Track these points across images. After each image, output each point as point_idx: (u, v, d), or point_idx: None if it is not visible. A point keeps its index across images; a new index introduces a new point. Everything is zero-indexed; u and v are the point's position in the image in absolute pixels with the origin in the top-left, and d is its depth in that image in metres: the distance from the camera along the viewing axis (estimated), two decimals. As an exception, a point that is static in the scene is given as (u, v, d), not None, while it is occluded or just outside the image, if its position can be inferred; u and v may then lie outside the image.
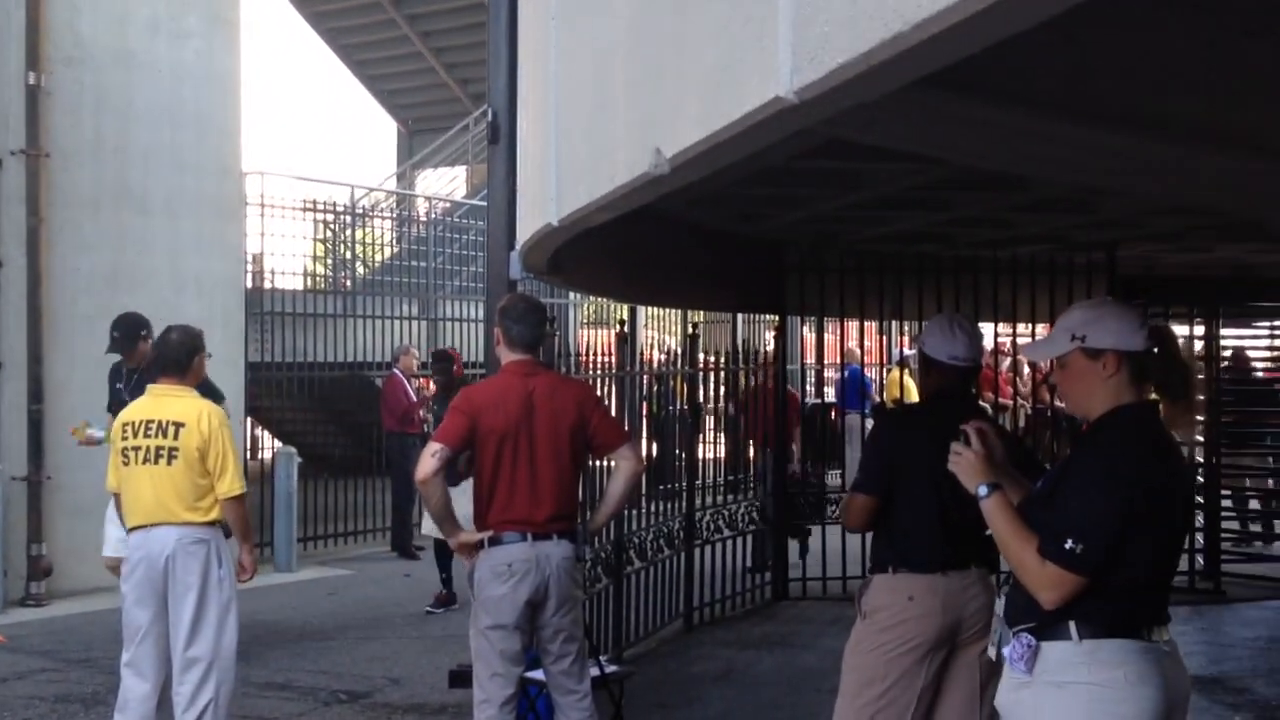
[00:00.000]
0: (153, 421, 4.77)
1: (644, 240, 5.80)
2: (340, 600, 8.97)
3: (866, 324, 9.15)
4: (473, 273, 13.68)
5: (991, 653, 2.87)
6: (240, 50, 9.96)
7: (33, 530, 8.61)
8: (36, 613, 8.34)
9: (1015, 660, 2.68)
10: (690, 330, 8.64)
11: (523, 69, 4.62)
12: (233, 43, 9.84)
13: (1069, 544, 2.56)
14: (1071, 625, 2.62)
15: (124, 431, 4.83)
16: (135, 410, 4.87)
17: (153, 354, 4.91)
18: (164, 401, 4.83)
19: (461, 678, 5.33)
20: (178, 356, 4.86)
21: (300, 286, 12.72)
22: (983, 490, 2.80)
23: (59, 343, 8.75)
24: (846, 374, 12.11)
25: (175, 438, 4.75)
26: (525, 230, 4.43)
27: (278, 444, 12.81)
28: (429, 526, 7.19)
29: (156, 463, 4.74)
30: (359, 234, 13.91)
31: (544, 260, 4.61)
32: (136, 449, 4.77)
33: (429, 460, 4.10)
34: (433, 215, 14.03)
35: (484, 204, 14.71)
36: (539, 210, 3.75)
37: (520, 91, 4.82)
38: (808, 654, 7.01)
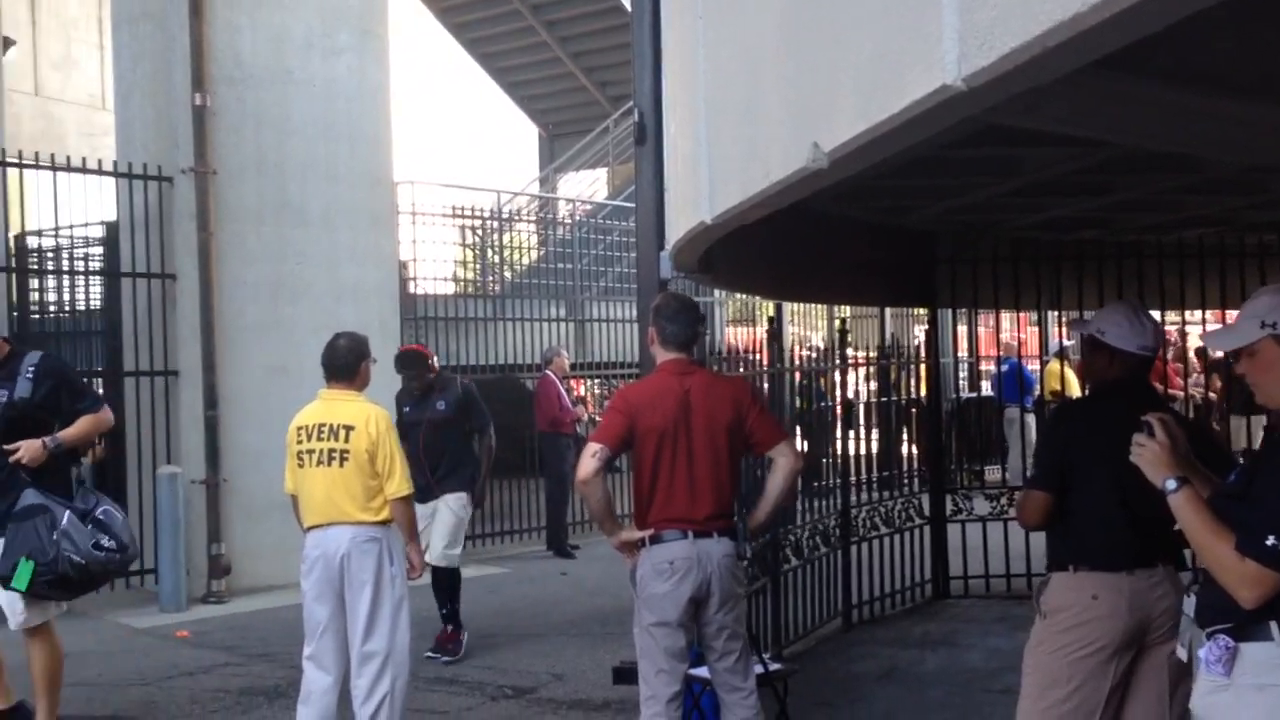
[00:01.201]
0: (324, 425, 4.97)
1: (790, 236, 5.76)
2: (500, 598, 9.16)
3: (1021, 315, 8.92)
4: (618, 273, 13.81)
5: (1181, 654, 2.76)
6: (389, 63, 10.25)
7: (212, 531, 9.02)
8: (217, 609, 8.73)
9: (1212, 663, 2.57)
10: (840, 325, 8.55)
11: (668, 68, 4.64)
12: (382, 56, 10.12)
13: (1270, 540, 2.45)
14: (1273, 625, 2.51)
15: (298, 435, 5.04)
16: (308, 415, 5.08)
17: (322, 360, 5.10)
18: (334, 406, 5.03)
19: (625, 674, 5.39)
20: (346, 362, 5.06)
21: (450, 291, 13.04)
22: (1170, 484, 2.68)
23: (229, 351, 9.15)
24: (1005, 367, 11.85)
25: (346, 440, 4.93)
26: (676, 229, 4.45)
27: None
28: (434, 554, 6.89)
29: (329, 465, 4.93)
30: (505, 238, 14.16)
31: (695, 259, 4.62)
32: (310, 452, 4.97)
33: (589, 461, 4.17)
34: (576, 217, 14.19)
35: (627, 205, 14.89)
36: (691, 209, 3.77)
37: (666, 91, 4.84)
38: (973, 653, 6.86)
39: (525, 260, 15.11)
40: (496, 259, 14.10)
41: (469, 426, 7.50)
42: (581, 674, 6.79)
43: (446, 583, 7.24)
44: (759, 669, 4.67)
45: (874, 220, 7.04)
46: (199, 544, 8.98)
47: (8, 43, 14.61)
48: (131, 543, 5.38)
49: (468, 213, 12.56)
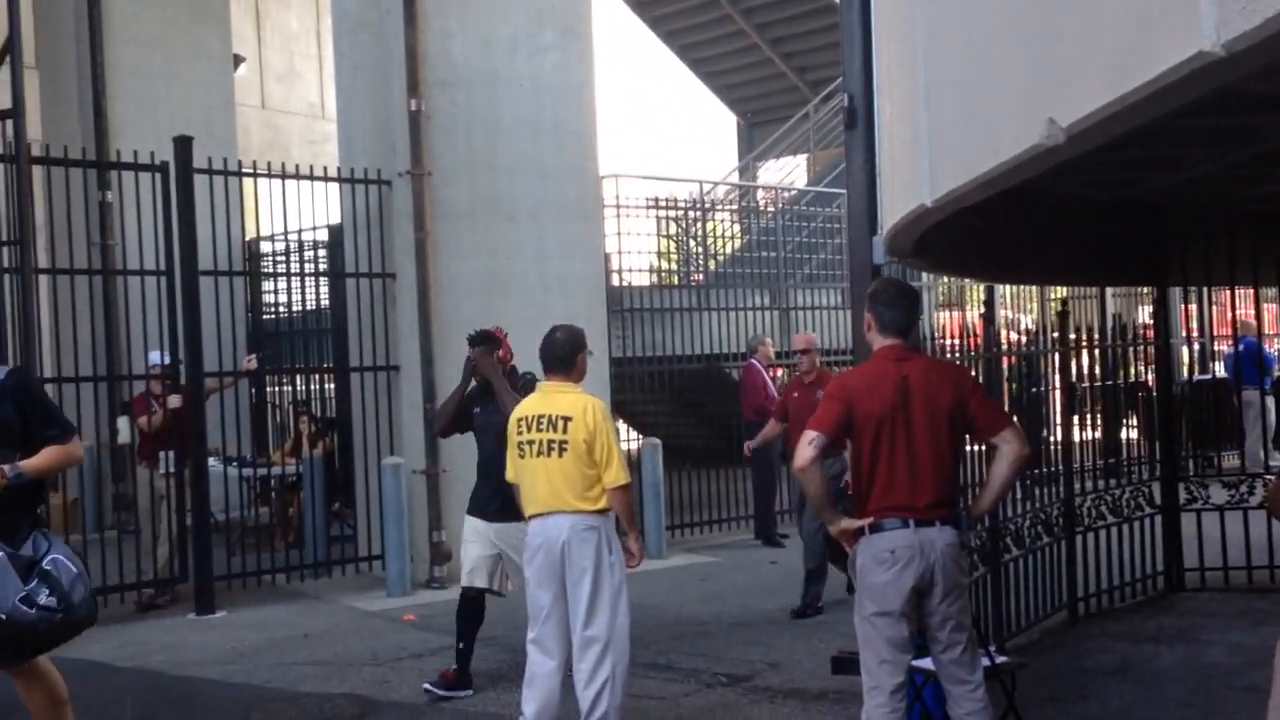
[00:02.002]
0: (544, 416, 5.11)
1: (1004, 216, 5.58)
2: (711, 586, 9.22)
3: (1256, 292, 8.39)
4: (821, 260, 13.68)
5: None
6: (593, 60, 10.40)
7: (433, 519, 9.39)
8: (439, 594, 9.07)
9: None
10: (1060, 306, 8.23)
11: (881, 49, 4.56)
12: (586, 53, 10.28)
13: None
14: None
15: (519, 426, 5.19)
16: (528, 406, 5.22)
17: (540, 353, 5.24)
18: (553, 397, 5.16)
19: (844, 664, 5.35)
20: (563, 354, 5.18)
21: (654, 282, 13.18)
22: None
23: (446, 346, 9.47)
24: (1241, 347, 11.18)
25: (564, 431, 5.05)
26: (891, 213, 4.38)
27: (634, 435, 13.32)
28: (465, 576, 6.37)
29: (549, 455, 5.06)
30: (707, 228, 14.21)
31: (910, 243, 4.53)
32: (531, 443, 5.12)
33: (806, 448, 4.14)
34: (779, 205, 14.12)
35: (830, 191, 14.74)
36: (909, 192, 3.69)
37: (878, 74, 4.76)
38: (1214, 649, 6.50)
39: (728, 249, 15.13)
40: (699, 249, 14.16)
41: None
42: (796, 663, 6.76)
43: (479, 615, 6.52)
44: (985, 661, 4.55)
45: (1095, 195, 6.74)
46: (421, 532, 9.36)
47: (238, 60, 15.55)
48: (82, 603, 4.33)
49: (670, 203, 12.66)
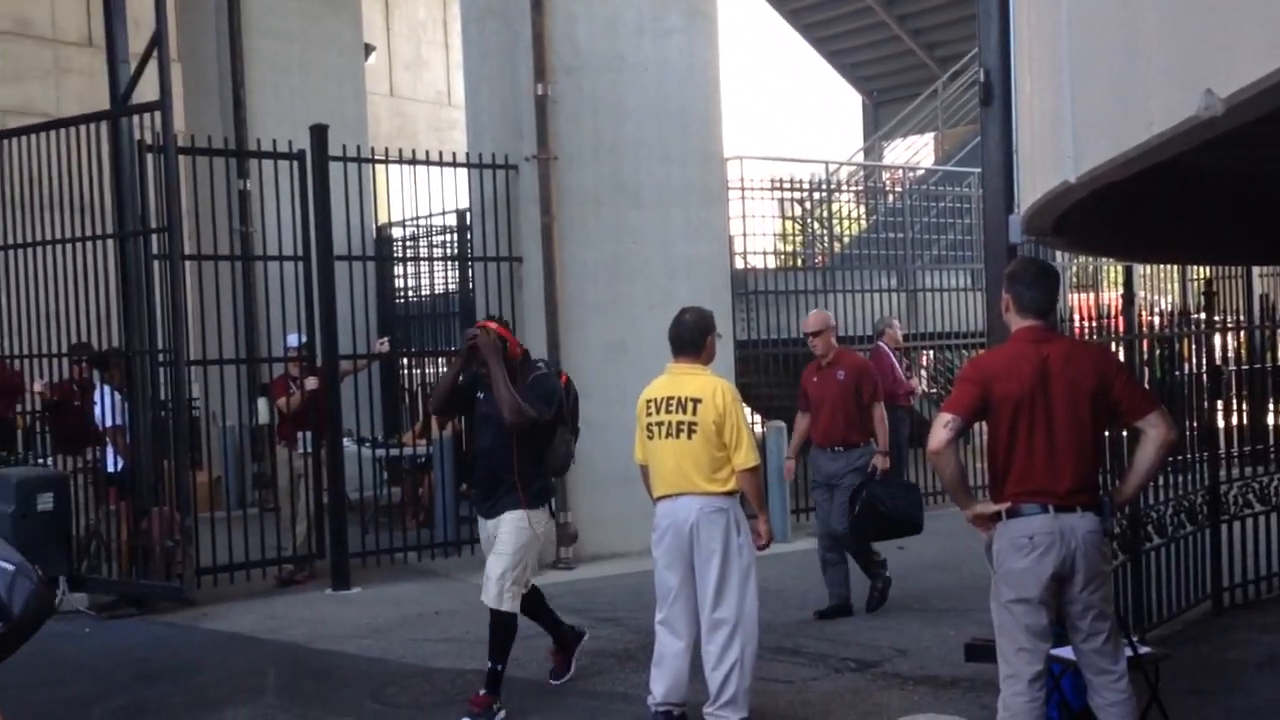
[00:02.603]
0: (673, 398, 5.12)
1: (1146, 192, 5.37)
2: (836, 570, 9.12)
3: None
4: (949, 240, 13.42)
5: None
6: (718, 42, 10.36)
7: (559, 500, 9.48)
8: (566, 575, 9.19)
9: None
10: (1205, 286, 7.92)
11: (1020, 22, 4.43)
12: (711, 35, 10.24)
13: None
14: None
15: (648, 408, 5.22)
16: (657, 388, 5.25)
17: (669, 335, 5.25)
18: (682, 379, 5.17)
19: (978, 651, 5.26)
20: (693, 337, 5.19)
21: (778, 265, 13.09)
22: None
23: (571, 329, 9.57)
24: None
25: (693, 413, 5.06)
26: (1029, 191, 4.26)
27: (758, 418, 13.27)
28: (487, 592, 5.69)
29: (677, 437, 5.08)
30: (832, 209, 14.05)
31: (1049, 222, 4.40)
32: (660, 424, 5.14)
33: (940, 432, 4.07)
34: (906, 185, 13.90)
35: (959, 170, 14.43)
36: (1051, 169, 3.58)
37: (1016, 46, 4.62)
38: (1368, 643, 6.23)
39: (853, 230, 14.94)
40: (824, 230, 14.01)
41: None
42: (926, 649, 6.67)
43: (499, 632, 5.79)
44: (1127, 652, 4.42)
45: (1247, 170, 6.45)
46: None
47: (369, 49, 15.90)
48: (26, 605, 3.79)
49: (795, 185, 12.55)
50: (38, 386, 9.66)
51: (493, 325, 5.79)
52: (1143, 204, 5.61)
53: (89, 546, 8.95)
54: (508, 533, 5.65)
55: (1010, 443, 4.10)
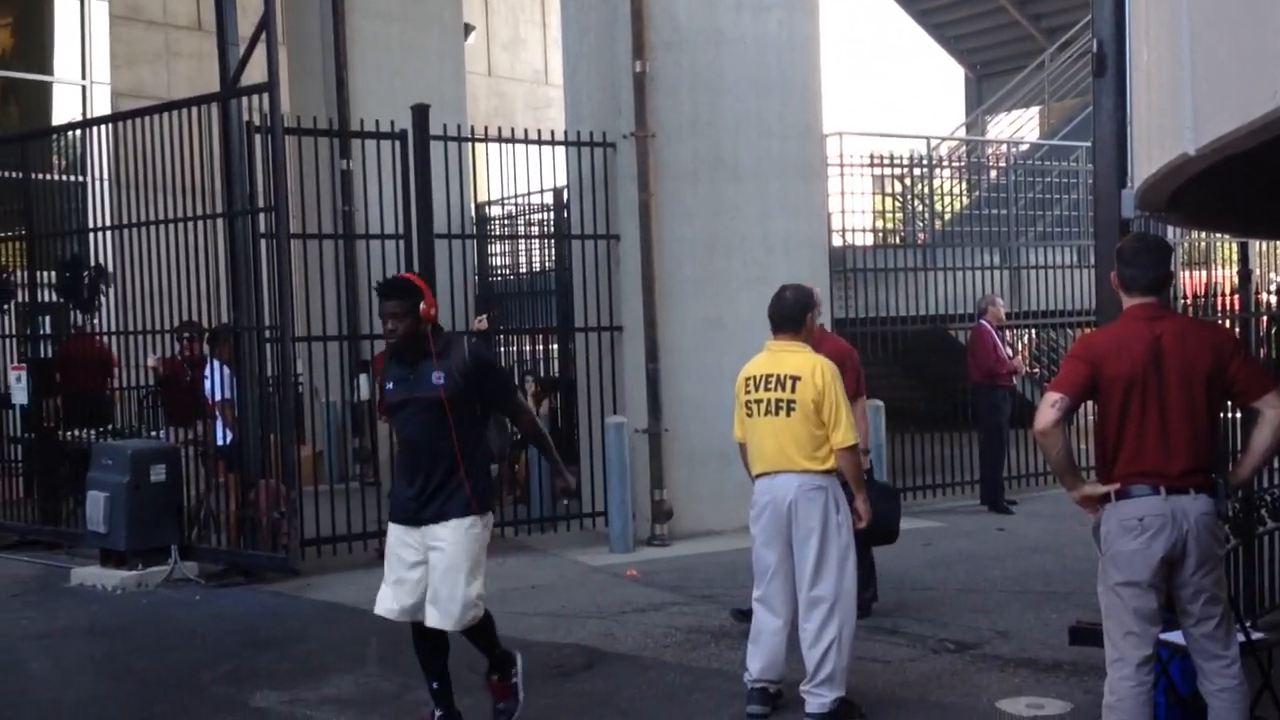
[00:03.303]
0: (772, 375, 5.10)
1: (1269, 166, 5.19)
2: (935, 551, 9.04)
3: None
4: (1055, 217, 13.12)
5: None
6: (818, 15, 10.22)
7: (655, 477, 9.52)
8: (661, 551, 9.22)
9: None
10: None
11: (1136, -10, 4.30)
12: (811, 9, 10.10)
13: None
14: None
15: (746, 385, 5.20)
16: (756, 365, 5.22)
17: (769, 312, 5.21)
18: (781, 357, 5.14)
19: (1083, 635, 5.17)
20: (793, 313, 5.16)
21: (878, 242, 12.93)
22: None
23: (669, 306, 9.56)
24: None
25: (792, 391, 5.03)
26: (1144, 165, 4.13)
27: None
28: (434, 615, 4.78)
29: (777, 414, 5.06)
30: (934, 185, 13.81)
31: (1165, 196, 4.27)
32: (759, 402, 5.12)
33: (1047, 411, 3.98)
34: (1011, 160, 13.60)
35: (1066, 144, 14.09)
36: (1169, 141, 3.47)
37: (1131, 15, 4.48)
38: None
39: (955, 207, 14.68)
40: (924, 207, 13.79)
41: (481, 407, 4.96)
42: (1027, 632, 6.57)
43: (478, 638, 5.08)
44: (1240, 637, 4.29)
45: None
46: (643, 490, 9.50)
47: (468, 29, 16.04)
48: None
49: (895, 161, 12.37)
50: (150, 362, 9.96)
51: (413, 277, 4.93)
52: (1263, 178, 5.42)
53: (199, 517, 9.23)
54: (458, 544, 4.71)
55: (1121, 423, 4.00)
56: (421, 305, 4.76)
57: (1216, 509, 4.01)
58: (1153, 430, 3.96)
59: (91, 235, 10.23)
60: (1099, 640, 4.24)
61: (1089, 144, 12.83)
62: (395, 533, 4.88)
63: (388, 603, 4.89)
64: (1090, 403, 4.21)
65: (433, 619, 4.79)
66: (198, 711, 5.71)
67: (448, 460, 4.75)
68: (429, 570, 4.79)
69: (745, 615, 5.98)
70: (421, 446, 4.79)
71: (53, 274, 10.12)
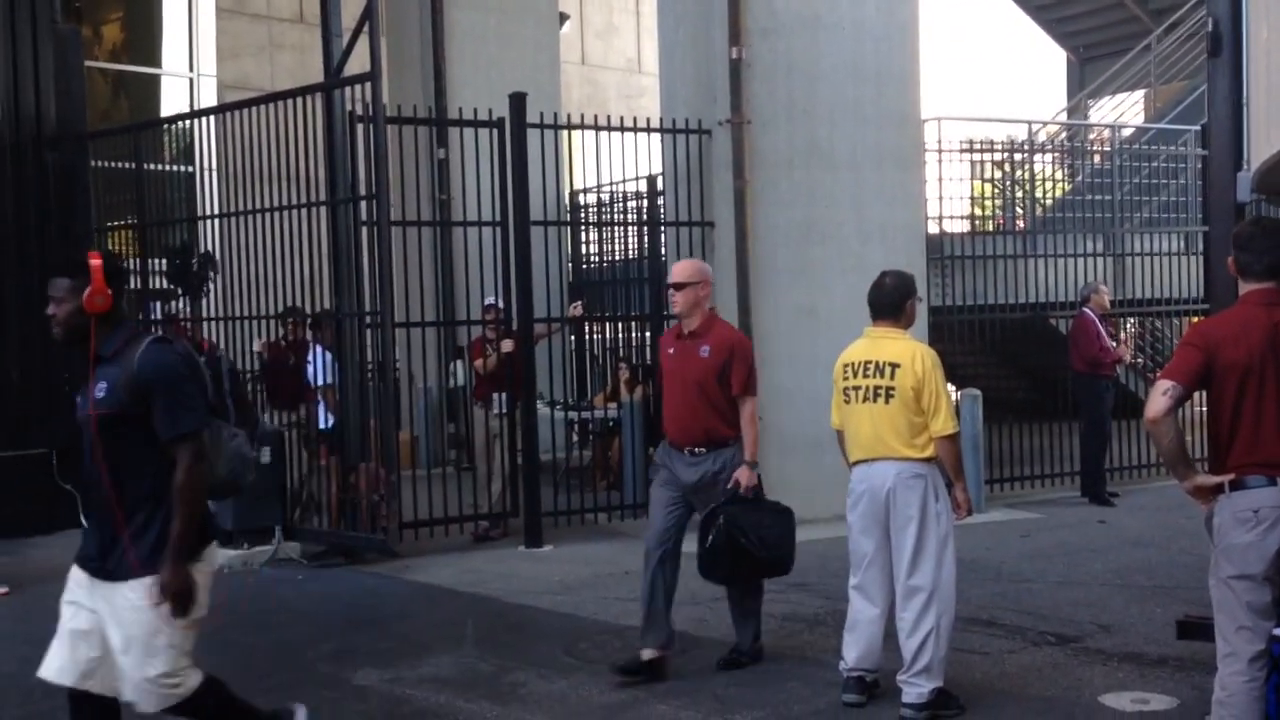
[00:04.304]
0: (870, 362, 5.06)
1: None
2: (1034, 543, 8.89)
3: None
4: (1161, 203, 12.76)
5: None
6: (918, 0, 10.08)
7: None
8: (754, 540, 9.18)
9: None
10: None
11: (1253, -33, 4.17)
12: (911, -7, 9.97)
13: None
14: None
15: (845, 372, 5.17)
16: (855, 351, 5.19)
17: (869, 298, 5.17)
18: (880, 343, 5.09)
19: (1191, 629, 5.04)
20: (892, 300, 5.11)
21: (975, 229, 12.71)
22: None
23: (763, 293, 9.52)
24: None
25: (891, 378, 4.98)
26: (1263, 146, 4.02)
27: (952, 386, 12.95)
28: (129, 687, 3.80)
29: (875, 401, 5.01)
30: (1034, 170, 13.53)
31: (1283, 178, 4.15)
32: (857, 388, 5.08)
33: (1159, 399, 3.89)
34: (1116, 145, 13.26)
35: (1173, 127, 13.70)
36: (1292, 120, 3.37)
37: (1248, -6, 4.35)
38: None
39: (1056, 193, 14.36)
40: (1023, 193, 13.52)
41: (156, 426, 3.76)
42: (1130, 626, 6.43)
43: (204, 709, 3.99)
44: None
45: None
46: (734, 477, 9.46)
47: (563, 18, 16.12)
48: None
49: (995, 146, 12.14)
50: (256, 346, 10.21)
51: (95, 256, 3.81)
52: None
53: (301, 499, 9.44)
54: (135, 623, 3.72)
55: (1236, 412, 3.90)
56: (88, 290, 3.71)
57: (1335, 500, 3.88)
58: (1270, 420, 3.86)
59: (200, 223, 10.52)
60: (1208, 635, 4.15)
61: (1197, 127, 12.53)
62: (73, 576, 3.88)
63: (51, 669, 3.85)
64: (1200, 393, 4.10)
65: (110, 690, 3.85)
66: (303, 687, 5.84)
67: (105, 505, 3.75)
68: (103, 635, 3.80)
69: (624, 669, 5.62)
70: (89, 482, 3.81)
71: (163, 261, 10.42)
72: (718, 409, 5.67)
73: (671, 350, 5.83)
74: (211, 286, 10.11)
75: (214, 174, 10.00)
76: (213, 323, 10.32)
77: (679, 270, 5.80)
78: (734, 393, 5.68)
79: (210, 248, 10.12)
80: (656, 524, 5.80)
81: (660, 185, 10.72)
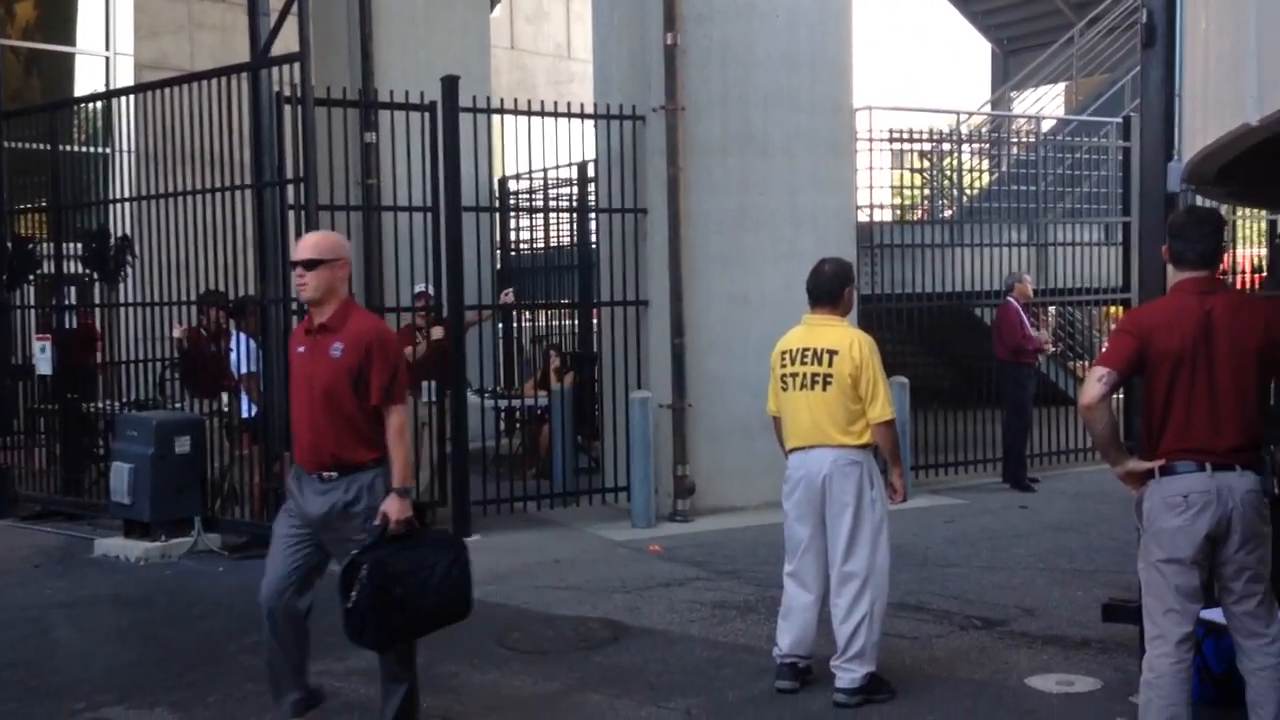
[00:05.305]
0: (809, 349, 5.06)
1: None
2: (958, 528, 9.01)
3: None
4: (1083, 193, 12.98)
5: None
6: (852, -13, 10.11)
7: (678, 453, 9.49)
8: (683, 527, 9.20)
9: None
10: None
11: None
12: (845, -19, 9.99)
13: None
14: None
15: (783, 359, 5.16)
16: (793, 339, 5.18)
17: (807, 285, 5.16)
18: (819, 330, 5.10)
19: (1116, 612, 5.13)
20: (831, 287, 5.11)
21: (904, 217, 12.83)
22: None
23: (695, 281, 9.50)
24: None
25: (829, 365, 4.99)
26: (1196, 136, 4.07)
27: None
28: None
29: (812, 388, 5.02)
30: (960, 161, 13.67)
31: (1215, 169, 4.21)
32: (794, 375, 5.08)
33: (1094, 385, 3.94)
34: (1038, 136, 13.46)
35: (1095, 119, 13.93)
36: (1228, 111, 3.42)
37: (1185, -14, 4.41)
38: None
39: (982, 183, 14.54)
40: (950, 183, 13.67)
41: None
42: (1053, 610, 6.54)
43: None
44: (1281, 617, 4.25)
45: None
46: (666, 465, 9.47)
47: (493, 2, 15.94)
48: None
49: (922, 136, 12.24)
50: (176, 333, 9.96)
51: None
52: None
53: (222, 489, 9.23)
54: None
55: (1168, 399, 3.96)
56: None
57: (1263, 486, 3.96)
58: (1201, 407, 3.92)
59: (115, 206, 10.22)
60: (1132, 618, 4.22)
61: (1119, 119, 12.76)
62: None
63: None
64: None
65: None
66: (226, 680, 5.72)
67: None
68: None
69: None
70: None
71: (78, 245, 10.11)
72: (351, 424, 4.45)
73: (301, 349, 4.63)
74: (129, 271, 9.83)
75: (132, 155, 9.71)
76: (130, 308, 10.05)
77: (309, 245, 4.62)
78: (372, 402, 4.45)
79: (128, 232, 9.83)
80: (274, 568, 4.58)
81: (591, 171, 10.64)
